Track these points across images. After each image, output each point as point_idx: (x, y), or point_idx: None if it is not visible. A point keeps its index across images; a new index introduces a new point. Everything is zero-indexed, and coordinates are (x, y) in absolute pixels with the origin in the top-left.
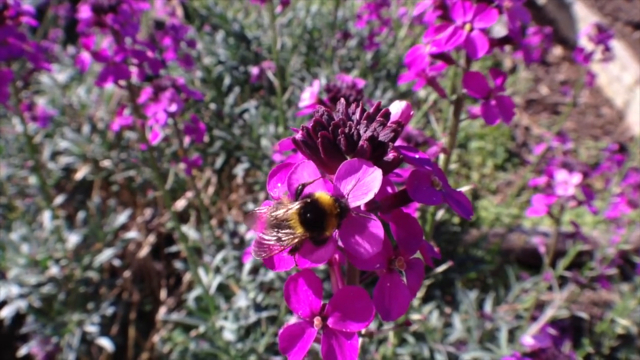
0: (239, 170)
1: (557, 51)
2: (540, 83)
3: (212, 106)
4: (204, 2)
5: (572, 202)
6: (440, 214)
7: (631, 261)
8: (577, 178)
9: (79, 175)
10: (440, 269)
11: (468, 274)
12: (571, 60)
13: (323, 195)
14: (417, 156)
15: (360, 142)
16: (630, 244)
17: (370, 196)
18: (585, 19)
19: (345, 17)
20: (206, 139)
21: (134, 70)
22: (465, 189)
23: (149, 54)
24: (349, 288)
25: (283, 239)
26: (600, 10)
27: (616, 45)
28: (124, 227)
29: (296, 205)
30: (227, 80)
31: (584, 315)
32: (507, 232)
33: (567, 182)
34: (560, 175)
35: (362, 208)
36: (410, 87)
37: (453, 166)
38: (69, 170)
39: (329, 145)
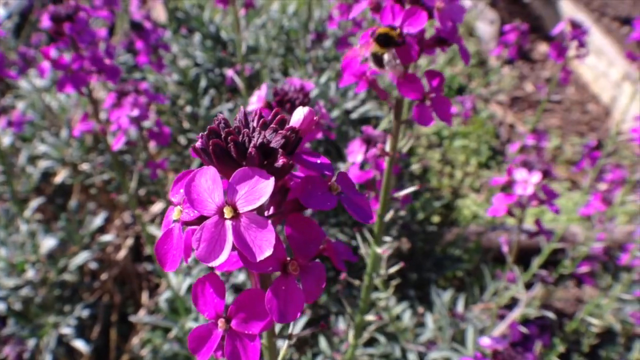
0: None
1: (543, 48)
2: (525, 80)
3: (188, 109)
4: (181, 4)
5: (533, 202)
6: (421, 215)
7: (615, 257)
8: (536, 177)
9: (58, 179)
10: (393, 269)
11: (445, 273)
12: None
13: None
14: (318, 161)
15: (249, 150)
16: (614, 241)
17: (261, 201)
18: (571, 15)
19: (322, 18)
20: (183, 140)
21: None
22: (409, 190)
23: (107, 61)
24: (250, 291)
25: None
26: (586, 6)
27: (603, 41)
28: (103, 230)
29: None
30: (203, 83)
31: (551, 315)
32: (487, 229)
33: (527, 181)
34: (520, 174)
35: (257, 213)
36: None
37: (415, 167)
38: (48, 174)
39: (221, 153)
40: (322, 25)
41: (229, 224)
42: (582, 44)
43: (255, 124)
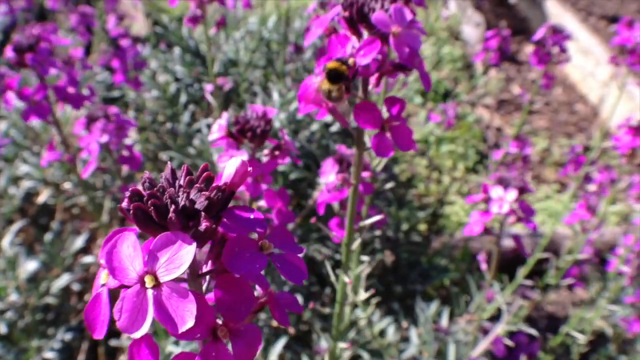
0: None
1: (529, 49)
2: (512, 82)
3: (168, 125)
4: (160, 19)
5: (510, 219)
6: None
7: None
8: (512, 194)
9: (40, 199)
10: (365, 295)
11: (431, 284)
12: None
13: None
14: (251, 216)
15: (169, 215)
16: (605, 243)
17: (182, 270)
18: (558, 16)
19: (303, 29)
20: (166, 157)
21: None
22: (373, 220)
23: (70, 90)
24: (180, 356)
25: None
26: (573, 6)
27: (590, 40)
28: (86, 250)
29: None
30: (183, 98)
31: (533, 332)
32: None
33: (503, 199)
34: (495, 192)
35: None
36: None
37: (399, 171)
38: (30, 195)
39: (143, 217)
40: (302, 36)
41: (150, 293)
42: (563, 50)
43: (182, 182)
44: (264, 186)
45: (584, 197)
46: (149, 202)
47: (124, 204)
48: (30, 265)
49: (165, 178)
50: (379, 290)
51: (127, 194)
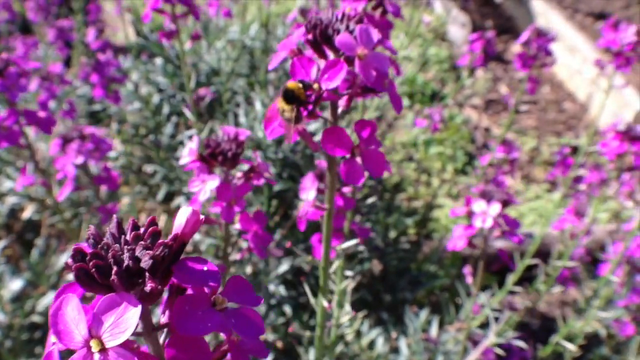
0: (181, 201)
1: (516, 48)
2: (500, 82)
3: (151, 137)
4: (141, 30)
5: (495, 232)
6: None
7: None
8: (495, 208)
9: (25, 214)
10: (347, 318)
11: (421, 291)
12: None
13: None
14: (204, 268)
15: (112, 277)
16: (596, 241)
17: (127, 334)
18: (544, 14)
19: (285, 36)
20: (150, 169)
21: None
22: (350, 244)
23: (41, 114)
24: None
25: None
26: (559, 4)
27: (577, 38)
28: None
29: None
30: (165, 109)
31: (523, 344)
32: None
33: (486, 213)
34: (478, 206)
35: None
36: None
37: (370, 200)
38: (15, 211)
39: (85, 278)
40: None
41: (97, 357)
42: (548, 53)
43: (129, 237)
44: (237, 209)
45: (574, 198)
46: (91, 262)
47: (69, 261)
48: (15, 285)
49: (110, 233)
50: (367, 301)
51: (71, 252)
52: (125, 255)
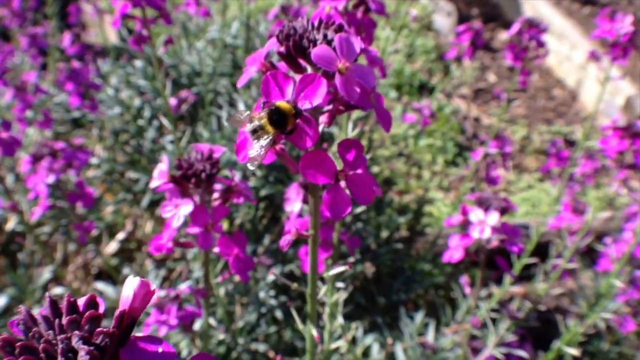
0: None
1: (503, 36)
2: (487, 71)
3: (133, 142)
4: (120, 33)
5: (493, 242)
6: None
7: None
8: (494, 217)
9: (9, 226)
10: (339, 344)
11: (416, 291)
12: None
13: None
14: (159, 350)
15: None
16: (593, 231)
17: None
18: (530, 0)
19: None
20: (134, 175)
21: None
22: (339, 270)
23: (2, 135)
24: None
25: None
26: None
27: (564, 24)
28: (57, 279)
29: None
30: (147, 113)
31: (524, 354)
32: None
33: (484, 222)
34: (475, 215)
35: None
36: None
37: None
38: None
39: None
40: (267, 40)
41: None
42: (540, 44)
43: (64, 322)
44: (215, 235)
45: (567, 187)
46: (20, 358)
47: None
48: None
49: (43, 317)
50: (361, 304)
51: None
52: (60, 348)
